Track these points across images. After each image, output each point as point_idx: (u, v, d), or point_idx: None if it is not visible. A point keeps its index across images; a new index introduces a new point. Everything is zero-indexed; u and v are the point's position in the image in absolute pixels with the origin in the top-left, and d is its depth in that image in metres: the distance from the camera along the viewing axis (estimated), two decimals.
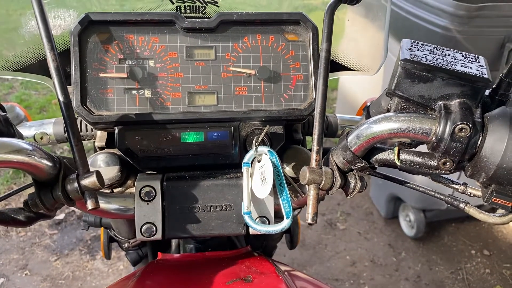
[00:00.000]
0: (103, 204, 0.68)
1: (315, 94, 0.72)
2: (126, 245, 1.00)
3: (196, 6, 0.79)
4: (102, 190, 0.71)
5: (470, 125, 0.51)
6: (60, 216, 2.55)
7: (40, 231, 2.46)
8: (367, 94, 0.89)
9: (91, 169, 0.58)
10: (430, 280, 2.29)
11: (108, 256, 1.09)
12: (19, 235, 2.44)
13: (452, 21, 1.81)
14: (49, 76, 0.80)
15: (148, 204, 0.66)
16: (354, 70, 0.85)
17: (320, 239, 2.49)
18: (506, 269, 2.35)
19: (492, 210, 0.65)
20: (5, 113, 0.57)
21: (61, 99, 0.58)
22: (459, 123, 0.51)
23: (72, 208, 2.59)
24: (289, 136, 0.80)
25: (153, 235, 0.66)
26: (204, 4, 0.79)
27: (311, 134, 0.88)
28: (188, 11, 0.79)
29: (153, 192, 0.67)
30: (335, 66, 0.84)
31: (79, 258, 2.32)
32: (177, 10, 0.78)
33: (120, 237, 1.00)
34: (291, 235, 1.10)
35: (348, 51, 0.84)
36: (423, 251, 2.45)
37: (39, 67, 0.80)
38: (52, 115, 3.38)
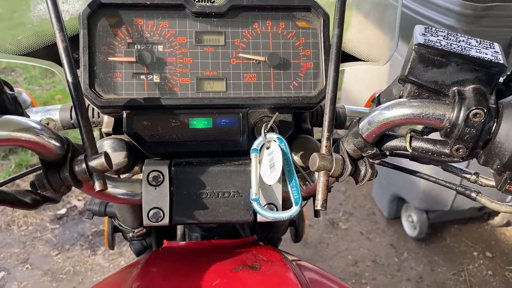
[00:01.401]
0: (110, 189, 0.67)
1: (326, 81, 0.71)
2: (130, 234, 1.00)
3: None
4: (109, 175, 0.70)
5: (485, 110, 0.50)
6: (61, 211, 2.55)
7: (41, 226, 2.46)
8: (371, 91, 0.88)
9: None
10: (432, 281, 2.27)
11: (112, 246, 1.08)
12: (21, 229, 2.43)
13: (459, 20, 1.80)
14: (56, 61, 0.80)
15: (155, 189, 0.66)
16: (364, 61, 0.84)
17: (322, 238, 2.48)
18: (509, 271, 2.34)
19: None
20: (13, 92, 0.56)
21: (69, 80, 0.57)
22: (474, 108, 0.51)
23: (74, 203, 2.59)
24: (297, 126, 0.79)
25: (160, 221, 0.65)
26: None
27: (319, 125, 0.87)
28: None
29: (161, 177, 0.66)
30: (344, 57, 0.84)
31: (80, 253, 2.31)
32: None
33: (125, 227, 0.99)
34: (296, 228, 1.09)
35: (358, 41, 0.83)
36: (425, 252, 2.44)
37: (45, 53, 0.79)
38: None
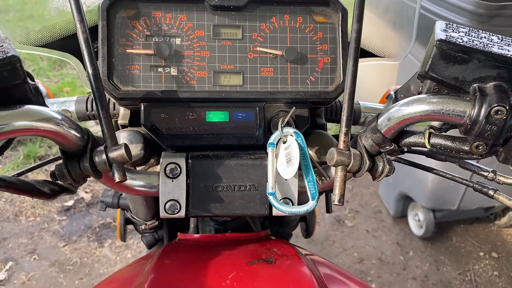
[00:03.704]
0: (128, 180, 0.67)
1: (343, 76, 0.71)
2: (142, 227, 1.00)
3: None
4: (126, 167, 0.71)
5: (507, 108, 0.50)
6: (69, 202, 2.57)
7: (49, 217, 2.48)
8: (380, 86, 0.87)
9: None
10: (437, 280, 2.27)
11: (123, 238, 1.09)
12: (28, 220, 2.45)
13: (472, 19, 1.79)
14: (72, 53, 0.80)
15: (172, 181, 0.66)
16: (379, 57, 0.84)
17: (328, 235, 2.48)
18: None
19: None
20: (34, 82, 0.57)
21: (90, 71, 0.58)
22: (496, 105, 0.51)
23: (81, 195, 2.60)
24: (312, 121, 0.79)
25: (177, 213, 0.66)
26: None
27: (333, 120, 0.87)
28: None
29: (178, 169, 0.66)
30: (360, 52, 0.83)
31: (87, 244, 2.33)
32: None
33: (137, 219, 0.99)
34: (307, 224, 1.09)
35: (374, 37, 0.83)
36: (431, 251, 2.44)
37: (61, 45, 0.79)
38: None
